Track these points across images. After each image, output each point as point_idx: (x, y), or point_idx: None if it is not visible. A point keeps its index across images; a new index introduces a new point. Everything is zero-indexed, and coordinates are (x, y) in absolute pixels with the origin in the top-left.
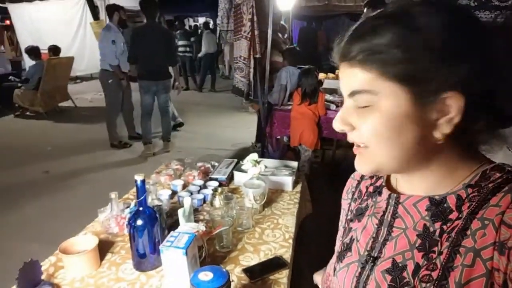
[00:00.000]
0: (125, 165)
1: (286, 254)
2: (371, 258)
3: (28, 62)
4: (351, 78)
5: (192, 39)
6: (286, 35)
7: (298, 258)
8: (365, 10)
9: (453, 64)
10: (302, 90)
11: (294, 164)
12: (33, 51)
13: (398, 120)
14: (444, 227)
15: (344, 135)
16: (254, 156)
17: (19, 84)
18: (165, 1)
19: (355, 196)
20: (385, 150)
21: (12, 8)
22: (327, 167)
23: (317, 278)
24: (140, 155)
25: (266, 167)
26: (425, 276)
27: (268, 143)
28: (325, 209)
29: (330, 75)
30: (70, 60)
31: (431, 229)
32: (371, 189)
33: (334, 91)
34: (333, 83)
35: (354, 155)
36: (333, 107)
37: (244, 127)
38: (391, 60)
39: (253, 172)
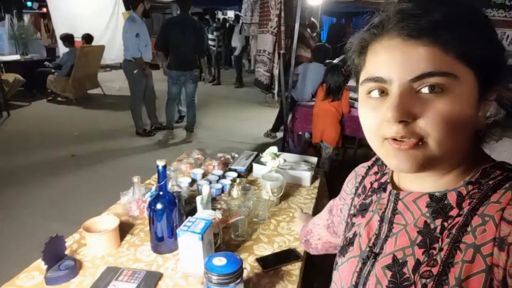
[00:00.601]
0: (147, 152)
1: (300, 247)
2: (373, 254)
3: (62, 49)
4: (423, 58)
5: (217, 33)
6: (315, 33)
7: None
8: None
9: (505, 56)
10: (327, 86)
11: (314, 159)
12: (68, 39)
13: (469, 109)
14: (445, 223)
15: None
16: (273, 149)
17: (53, 70)
18: None
19: (359, 191)
20: (449, 141)
21: None
22: (347, 166)
23: (297, 228)
24: (160, 140)
25: (285, 160)
26: (425, 272)
27: (289, 138)
28: None
29: None
30: (101, 48)
31: (432, 226)
32: (375, 185)
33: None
34: None
35: (374, 154)
36: (357, 105)
37: (266, 121)
38: (472, 42)
39: (272, 165)
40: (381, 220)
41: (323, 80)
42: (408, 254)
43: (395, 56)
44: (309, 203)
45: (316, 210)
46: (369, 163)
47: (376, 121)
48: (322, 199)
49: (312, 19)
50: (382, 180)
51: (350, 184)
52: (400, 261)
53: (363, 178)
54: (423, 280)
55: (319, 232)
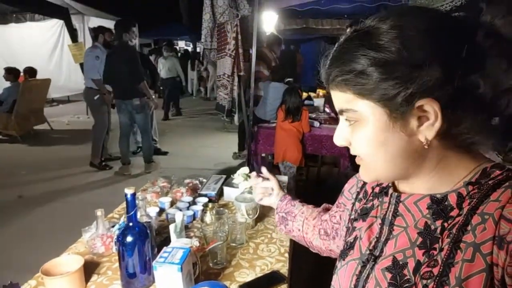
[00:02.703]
0: (105, 187)
1: (283, 268)
2: (372, 257)
3: (1, 85)
4: (336, 98)
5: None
6: (277, 53)
7: (294, 272)
8: (347, 31)
9: (417, 73)
10: (286, 107)
11: (284, 178)
12: (13, 72)
13: (381, 133)
14: (445, 224)
15: (328, 151)
16: (245, 169)
17: None
18: (144, 25)
19: (360, 196)
20: (379, 161)
21: None
22: (312, 184)
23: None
24: (117, 173)
25: None
26: (426, 273)
27: (253, 161)
28: None
29: (320, 91)
30: (47, 82)
31: (432, 227)
32: (377, 189)
33: (317, 109)
34: (318, 101)
35: (339, 172)
36: (316, 124)
37: (226, 146)
38: (360, 81)
39: (245, 186)
40: (382, 223)
41: (282, 101)
42: (408, 256)
43: (332, 96)
44: None
45: None
46: None
47: None
48: None
49: (276, 33)
50: (384, 184)
51: (352, 189)
52: (401, 262)
53: (365, 183)
54: (424, 281)
55: (304, 225)
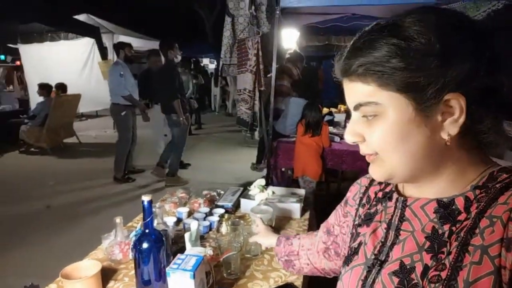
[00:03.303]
0: (128, 199)
1: (297, 281)
2: (378, 262)
3: (34, 100)
4: (354, 92)
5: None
6: (301, 67)
7: (308, 286)
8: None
9: (448, 66)
10: (306, 122)
11: (302, 191)
12: (46, 87)
13: (404, 127)
14: (453, 228)
15: (349, 166)
16: (261, 181)
17: (26, 121)
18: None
19: (363, 201)
20: (396, 157)
21: (23, 48)
22: (333, 200)
23: (264, 240)
24: (140, 186)
25: (273, 193)
26: (434, 277)
27: (273, 175)
28: None
29: (342, 107)
30: (77, 97)
31: (440, 231)
32: (380, 194)
33: (338, 124)
34: (339, 116)
35: None
36: (337, 139)
37: (246, 161)
38: (388, 71)
39: (261, 198)
40: (388, 228)
41: (302, 115)
42: (416, 260)
43: (345, 90)
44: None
45: None
46: None
47: None
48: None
49: (298, 51)
50: (387, 189)
51: (355, 196)
52: (408, 267)
53: (367, 188)
54: (432, 285)
55: (310, 257)
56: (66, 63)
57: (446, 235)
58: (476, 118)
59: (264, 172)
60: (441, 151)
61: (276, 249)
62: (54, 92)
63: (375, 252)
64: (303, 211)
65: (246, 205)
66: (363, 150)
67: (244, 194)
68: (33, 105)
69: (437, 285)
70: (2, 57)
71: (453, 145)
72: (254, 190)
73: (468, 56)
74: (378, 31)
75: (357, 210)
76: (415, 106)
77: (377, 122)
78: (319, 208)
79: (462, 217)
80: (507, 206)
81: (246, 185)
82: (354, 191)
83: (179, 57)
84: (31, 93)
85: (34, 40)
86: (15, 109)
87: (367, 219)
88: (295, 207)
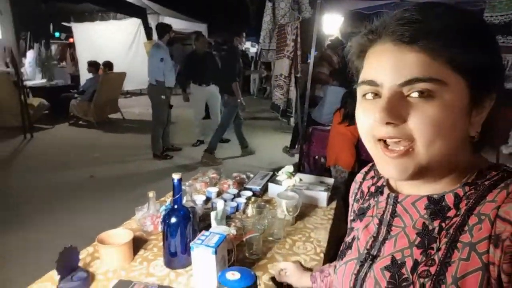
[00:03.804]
0: (164, 174)
1: (317, 267)
2: (370, 256)
3: (84, 76)
4: (412, 63)
5: None
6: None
7: None
8: None
9: (500, 63)
10: (345, 111)
11: (330, 180)
12: (94, 65)
13: (456, 114)
14: (443, 224)
15: None
16: (289, 168)
17: (76, 95)
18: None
19: (357, 197)
20: (436, 147)
21: (75, 26)
22: None
23: (294, 280)
24: (177, 164)
25: (301, 180)
26: (424, 272)
27: (305, 162)
28: None
29: None
30: (123, 75)
31: (430, 227)
32: (372, 189)
33: None
34: None
35: None
36: None
37: (281, 146)
38: (460, 48)
39: (288, 184)
40: (380, 223)
41: (341, 105)
42: (406, 255)
43: (386, 60)
44: (326, 223)
45: (334, 232)
46: (366, 168)
47: (369, 122)
48: (340, 223)
49: (339, 38)
50: (379, 183)
51: (352, 194)
52: (399, 262)
53: (361, 183)
54: (421, 280)
55: None
56: (114, 42)
57: (436, 231)
58: (491, 117)
59: (296, 157)
60: (463, 148)
61: (313, 287)
62: (102, 70)
63: (367, 247)
64: (330, 200)
65: (273, 189)
66: (396, 133)
67: (273, 179)
68: (83, 81)
69: (426, 280)
70: (57, 34)
71: (467, 143)
72: (281, 176)
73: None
74: (446, 5)
75: (352, 205)
76: (471, 94)
77: (430, 103)
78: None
79: (451, 213)
80: (495, 204)
81: (277, 170)
82: (352, 190)
83: (244, 44)
84: (82, 70)
85: (86, 19)
86: (67, 84)
87: (360, 214)
88: (322, 196)
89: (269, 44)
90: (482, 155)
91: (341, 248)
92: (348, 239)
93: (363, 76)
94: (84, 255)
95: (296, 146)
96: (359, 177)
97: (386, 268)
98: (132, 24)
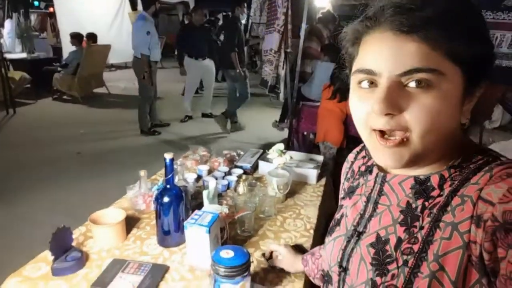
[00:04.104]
0: (152, 151)
1: (307, 243)
2: (356, 233)
3: (66, 48)
4: (411, 53)
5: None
6: (332, 28)
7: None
8: None
9: (492, 52)
10: (335, 87)
11: (320, 158)
12: (77, 37)
13: (452, 103)
14: (426, 203)
15: None
16: (280, 146)
17: (59, 69)
18: None
19: (348, 175)
20: (431, 135)
21: None
22: None
23: (287, 266)
24: (165, 139)
25: (291, 158)
26: (407, 249)
27: (294, 138)
28: None
29: None
30: (107, 48)
31: (413, 205)
32: (363, 168)
33: None
34: None
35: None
36: None
37: (270, 121)
38: (460, 39)
39: (278, 162)
40: (367, 201)
41: (331, 80)
42: (390, 232)
43: (385, 49)
44: (315, 200)
45: (324, 208)
46: (358, 148)
47: (364, 111)
48: (327, 199)
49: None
50: (369, 163)
51: (344, 173)
52: (383, 239)
53: (352, 163)
54: (404, 257)
55: None
56: (97, 12)
57: (419, 209)
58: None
59: (285, 132)
60: (453, 135)
61: (306, 271)
62: (85, 42)
63: (354, 223)
64: (319, 177)
65: (264, 167)
66: (393, 124)
67: (263, 156)
68: (65, 53)
69: (409, 257)
70: (36, 3)
71: (458, 130)
72: (272, 154)
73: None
74: None
75: (343, 184)
76: (466, 84)
77: (428, 93)
78: (338, 174)
79: (435, 193)
80: (477, 186)
81: (267, 146)
82: (343, 169)
83: (245, 15)
84: (64, 42)
85: None
86: (49, 56)
87: (350, 192)
88: (312, 173)
89: (259, 17)
90: (470, 139)
91: (330, 225)
92: (337, 216)
93: (359, 64)
94: (76, 234)
95: (286, 121)
96: (351, 156)
97: (371, 245)
98: None
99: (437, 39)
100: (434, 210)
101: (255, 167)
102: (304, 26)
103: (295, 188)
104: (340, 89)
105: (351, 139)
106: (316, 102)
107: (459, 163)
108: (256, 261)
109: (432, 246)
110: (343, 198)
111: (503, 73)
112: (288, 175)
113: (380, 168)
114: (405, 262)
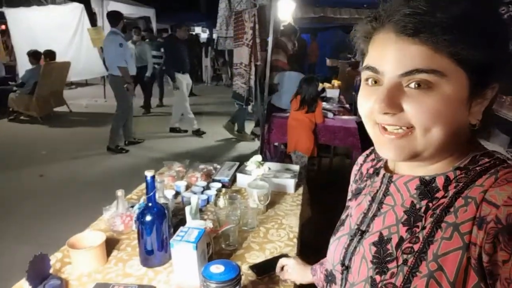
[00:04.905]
0: (121, 169)
1: (291, 252)
2: (359, 231)
3: (22, 66)
4: (414, 55)
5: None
6: (295, 41)
7: (301, 257)
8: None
9: (507, 55)
10: (302, 97)
11: (296, 167)
12: (34, 55)
13: (454, 105)
14: (430, 204)
15: (341, 141)
16: (258, 157)
17: (15, 88)
18: (162, 10)
19: (357, 177)
20: (434, 134)
21: (8, 12)
22: (324, 175)
23: (297, 276)
24: (134, 156)
25: (270, 169)
26: (407, 248)
27: (266, 149)
28: (323, 214)
29: (335, 82)
30: (67, 65)
31: (418, 206)
32: (371, 171)
33: (331, 100)
34: (332, 92)
35: (351, 163)
36: (330, 115)
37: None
38: (464, 42)
39: (257, 173)
40: (372, 200)
41: (297, 91)
42: (393, 232)
43: (388, 50)
44: (295, 209)
45: (301, 216)
46: (367, 151)
47: (368, 106)
48: (305, 206)
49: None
50: (377, 165)
51: (352, 174)
52: (385, 238)
53: (361, 165)
54: (405, 256)
55: None
56: (55, 29)
57: (422, 210)
58: (490, 105)
59: (253, 144)
60: (461, 136)
61: (314, 280)
62: (43, 60)
63: (358, 222)
64: (297, 186)
65: (242, 179)
66: (394, 121)
67: (240, 169)
68: (21, 71)
69: (409, 256)
70: None
71: (466, 131)
72: (250, 165)
73: (507, 46)
74: None
75: (351, 186)
76: (471, 86)
77: (428, 94)
78: (311, 183)
79: (439, 194)
80: (482, 188)
81: (239, 159)
82: (353, 171)
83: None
84: (19, 60)
85: (20, 4)
86: (2, 75)
87: (357, 193)
88: (290, 183)
89: (226, 31)
90: (479, 142)
91: (336, 225)
92: (343, 216)
93: (367, 61)
94: (52, 261)
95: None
96: (360, 159)
97: (373, 244)
98: (74, 10)
99: (441, 42)
100: (437, 211)
101: (233, 179)
102: (271, 39)
103: (274, 198)
104: (305, 100)
105: (321, 148)
106: (286, 113)
107: (465, 165)
108: (244, 274)
109: (432, 246)
110: (349, 199)
111: None
112: (268, 186)
113: (387, 169)
114: (405, 261)
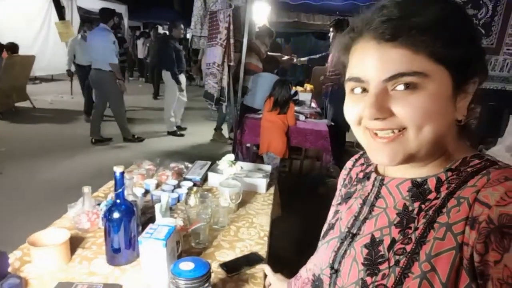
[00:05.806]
0: (86, 166)
1: (262, 250)
2: (350, 234)
3: None
4: (395, 59)
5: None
6: (269, 44)
7: (271, 255)
8: (331, 30)
9: (480, 50)
10: (274, 99)
11: (268, 167)
12: None
13: (441, 101)
14: (423, 206)
15: (312, 144)
16: (230, 156)
17: None
18: (134, 7)
19: (346, 182)
20: (426, 133)
21: None
22: (294, 176)
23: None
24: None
25: (242, 168)
26: (399, 249)
27: (238, 150)
28: (292, 214)
29: (308, 86)
30: (31, 59)
31: (410, 208)
32: (361, 175)
33: (303, 103)
34: (305, 95)
35: (321, 166)
36: (302, 118)
37: (211, 135)
38: (441, 41)
39: (229, 172)
40: (363, 203)
41: (270, 93)
42: (385, 234)
43: (370, 58)
44: (266, 208)
45: (271, 216)
46: (356, 156)
47: (357, 112)
48: (275, 205)
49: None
50: (367, 170)
51: (341, 180)
52: (377, 240)
53: (350, 170)
54: (397, 257)
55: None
56: (20, 22)
57: (415, 211)
58: (473, 101)
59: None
60: (450, 132)
61: None
62: (5, 53)
63: (348, 225)
64: (268, 186)
65: (214, 178)
66: (385, 125)
67: (212, 168)
68: None
69: (401, 257)
70: None
71: (453, 128)
72: (223, 164)
73: (479, 42)
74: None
75: (340, 191)
76: (454, 82)
77: (415, 94)
78: (281, 184)
79: (432, 196)
80: (474, 188)
81: (210, 159)
82: (341, 176)
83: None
84: None
85: None
86: None
87: (346, 198)
88: (261, 182)
89: (200, 30)
90: (469, 144)
91: (325, 229)
92: (332, 220)
93: (350, 72)
94: (11, 259)
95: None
96: (349, 163)
97: (365, 246)
98: (40, 2)
99: (419, 44)
100: (430, 212)
101: (204, 179)
102: (245, 41)
103: (245, 197)
104: (278, 102)
105: (293, 150)
106: (258, 114)
107: (456, 166)
108: (214, 272)
109: (425, 246)
110: (339, 204)
111: None
112: (240, 185)
113: (378, 173)
114: (397, 262)
